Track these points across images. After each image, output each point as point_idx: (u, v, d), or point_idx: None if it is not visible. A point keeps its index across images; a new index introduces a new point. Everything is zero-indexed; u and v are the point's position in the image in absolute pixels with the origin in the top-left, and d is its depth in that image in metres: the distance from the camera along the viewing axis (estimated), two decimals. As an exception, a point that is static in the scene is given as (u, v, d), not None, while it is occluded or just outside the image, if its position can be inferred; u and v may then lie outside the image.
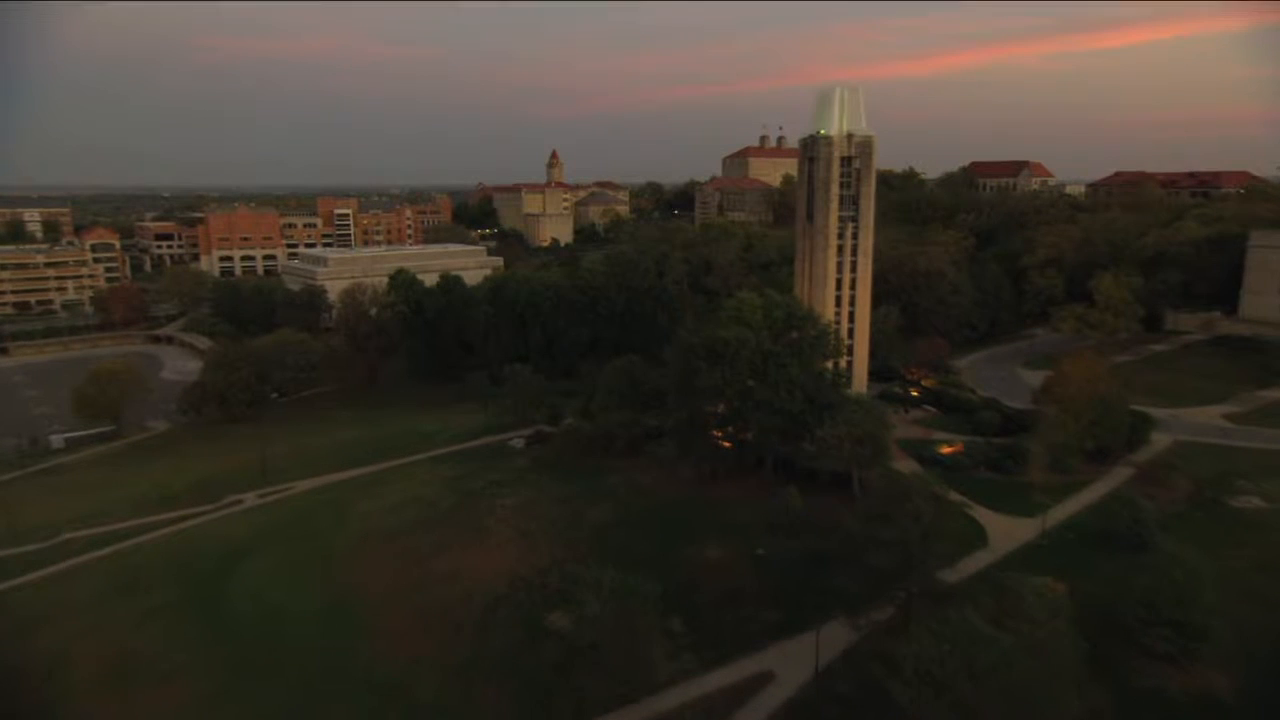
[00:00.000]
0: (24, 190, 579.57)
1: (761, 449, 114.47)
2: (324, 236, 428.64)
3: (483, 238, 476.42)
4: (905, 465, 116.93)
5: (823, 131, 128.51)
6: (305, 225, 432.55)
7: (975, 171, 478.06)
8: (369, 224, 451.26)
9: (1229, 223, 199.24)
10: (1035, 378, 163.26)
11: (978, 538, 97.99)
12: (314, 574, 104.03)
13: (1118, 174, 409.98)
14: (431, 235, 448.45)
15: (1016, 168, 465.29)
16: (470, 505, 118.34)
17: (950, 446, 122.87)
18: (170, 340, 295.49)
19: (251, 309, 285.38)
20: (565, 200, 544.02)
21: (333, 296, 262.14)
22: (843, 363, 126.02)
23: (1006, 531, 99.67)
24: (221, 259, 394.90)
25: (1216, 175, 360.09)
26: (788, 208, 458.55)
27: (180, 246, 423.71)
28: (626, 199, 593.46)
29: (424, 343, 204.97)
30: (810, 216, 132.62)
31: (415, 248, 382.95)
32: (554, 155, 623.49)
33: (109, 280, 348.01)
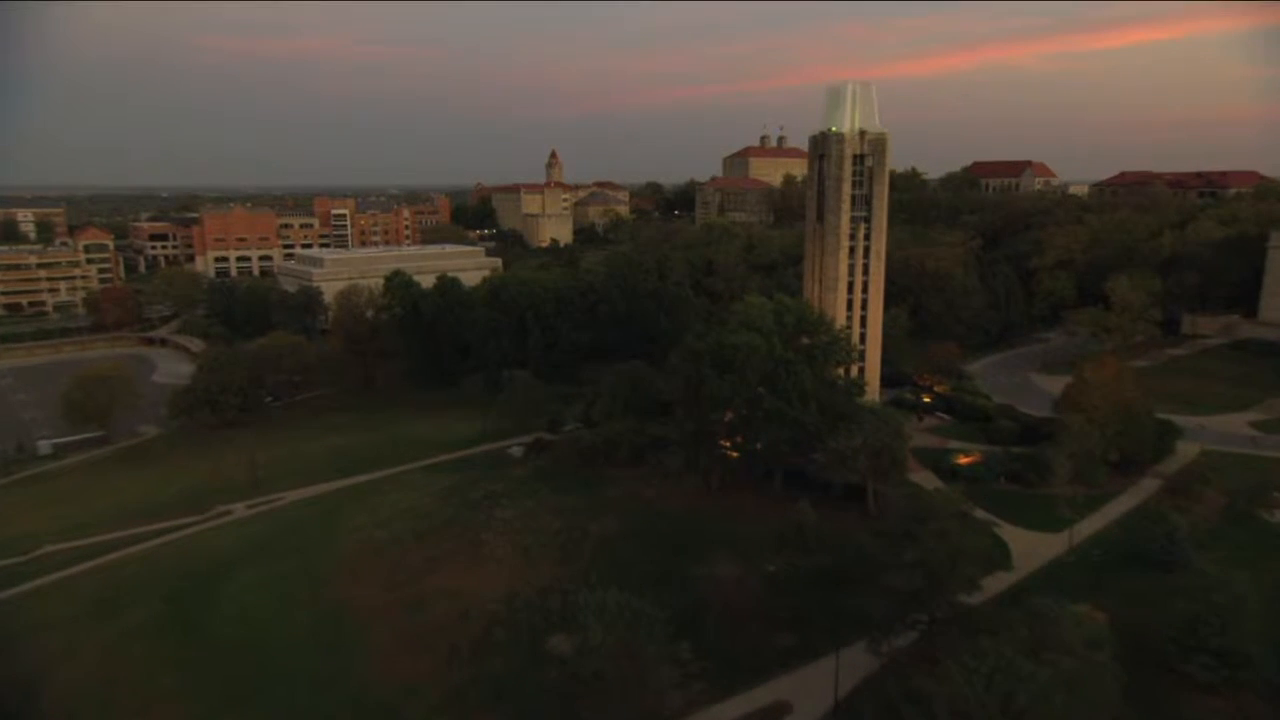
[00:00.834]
0: (22, 190, 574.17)
1: (771, 460, 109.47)
2: (321, 237, 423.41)
3: (481, 238, 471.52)
4: (921, 476, 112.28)
5: (834, 128, 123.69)
6: (302, 226, 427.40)
7: (977, 171, 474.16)
8: (366, 224, 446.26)
9: (1246, 223, 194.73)
10: (1051, 384, 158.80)
11: (1001, 555, 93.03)
12: (303, 591, 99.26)
13: (1123, 174, 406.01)
14: (430, 236, 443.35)
15: (1019, 168, 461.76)
16: (467, 517, 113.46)
17: (967, 456, 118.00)
18: (164, 343, 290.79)
19: (246, 311, 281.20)
20: (565, 200, 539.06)
21: (329, 298, 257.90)
22: (854, 370, 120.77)
23: (1031, 548, 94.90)
24: (217, 260, 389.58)
25: (1224, 175, 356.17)
26: (789, 208, 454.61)
27: (175, 247, 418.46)
28: (626, 199, 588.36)
29: (421, 346, 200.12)
30: (820, 217, 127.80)
31: (413, 248, 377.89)
32: (553, 155, 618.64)
33: (102, 281, 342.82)
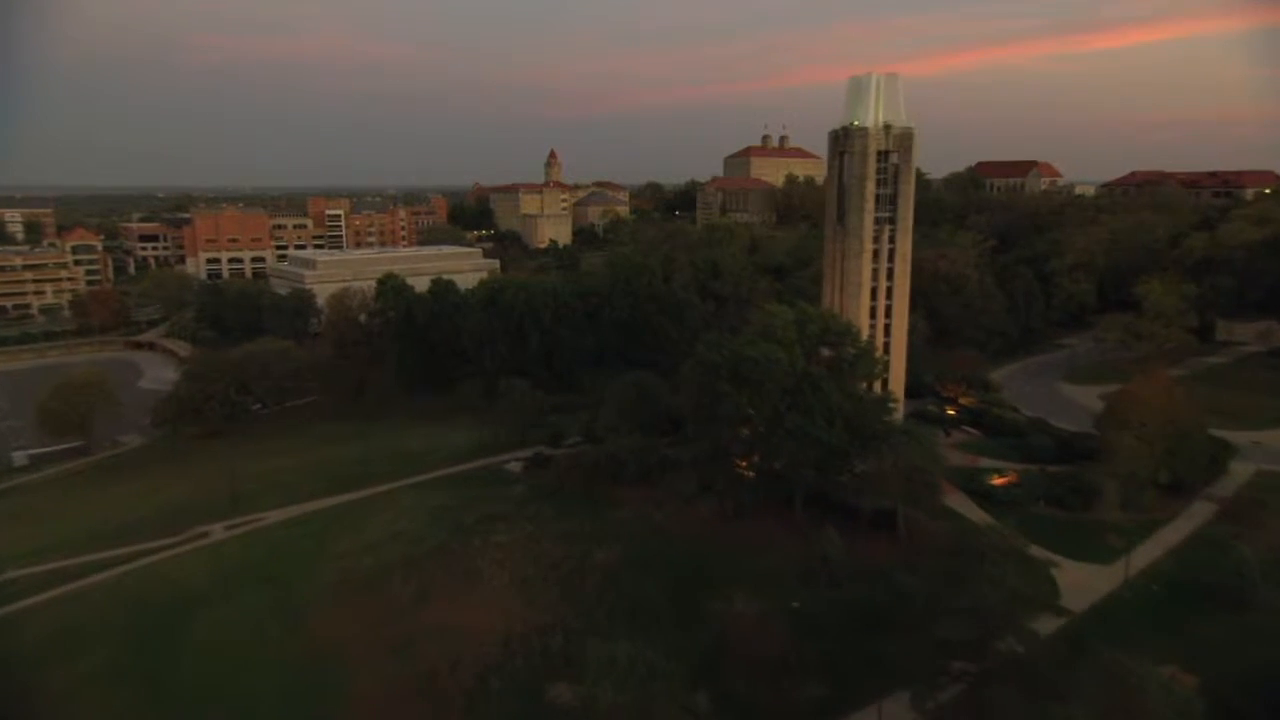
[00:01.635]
0: (15, 191, 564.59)
1: (792, 482, 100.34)
2: (315, 238, 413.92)
3: (479, 239, 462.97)
4: (954, 500, 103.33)
5: (856, 123, 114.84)
6: (295, 226, 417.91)
7: (982, 172, 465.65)
8: (362, 225, 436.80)
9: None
10: (1081, 394, 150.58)
11: (1048, 590, 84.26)
12: (279, 629, 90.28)
13: (1134, 173, 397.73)
14: (426, 237, 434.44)
15: (1025, 168, 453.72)
16: (461, 543, 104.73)
17: (1002, 477, 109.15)
18: (151, 347, 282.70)
19: (236, 314, 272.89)
20: (564, 200, 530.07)
21: (322, 301, 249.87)
22: (878, 383, 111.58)
23: (1080, 581, 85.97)
24: (208, 261, 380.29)
25: (1239, 175, 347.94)
26: (791, 208, 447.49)
27: (166, 248, 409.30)
28: (626, 199, 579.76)
29: (414, 351, 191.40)
30: (841, 218, 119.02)
31: (409, 250, 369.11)
32: (552, 154, 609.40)
33: (90, 283, 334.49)
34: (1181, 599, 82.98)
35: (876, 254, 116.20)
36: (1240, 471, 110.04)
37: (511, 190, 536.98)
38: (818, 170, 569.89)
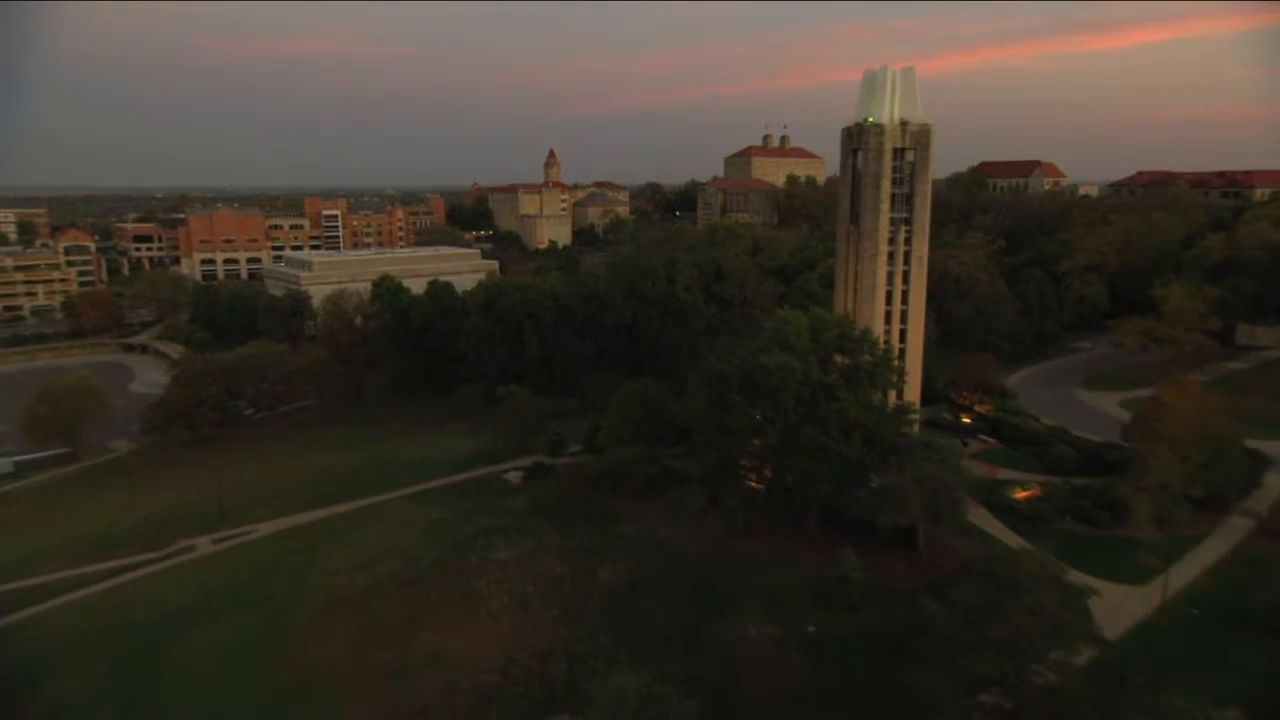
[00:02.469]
0: (9, 191, 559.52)
1: (805, 497, 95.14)
2: (311, 238, 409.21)
3: (477, 239, 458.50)
4: (975, 515, 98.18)
5: (870, 119, 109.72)
6: (292, 226, 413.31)
7: (985, 171, 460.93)
8: (358, 225, 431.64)
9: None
10: (1100, 401, 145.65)
11: (1084, 617, 79.09)
12: (266, 653, 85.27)
13: (1140, 173, 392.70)
14: (424, 237, 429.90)
15: (1028, 168, 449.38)
16: (457, 560, 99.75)
17: (1025, 490, 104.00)
18: (144, 349, 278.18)
19: (230, 316, 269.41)
20: (563, 201, 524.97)
21: (317, 302, 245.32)
22: (893, 393, 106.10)
23: (1114, 605, 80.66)
24: (203, 262, 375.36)
25: (1249, 174, 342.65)
26: (793, 208, 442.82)
27: (160, 249, 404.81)
28: (626, 199, 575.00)
29: (411, 356, 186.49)
30: (854, 218, 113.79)
31: (406, 250, 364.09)
32: (551, 154, 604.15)
33: (83, 284, 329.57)
34: (1223, 624, 77.89)
35: (892, 256, 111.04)
36: (1275, 484, 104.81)
37: (510, 190, 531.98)
38: (819, 170, 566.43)
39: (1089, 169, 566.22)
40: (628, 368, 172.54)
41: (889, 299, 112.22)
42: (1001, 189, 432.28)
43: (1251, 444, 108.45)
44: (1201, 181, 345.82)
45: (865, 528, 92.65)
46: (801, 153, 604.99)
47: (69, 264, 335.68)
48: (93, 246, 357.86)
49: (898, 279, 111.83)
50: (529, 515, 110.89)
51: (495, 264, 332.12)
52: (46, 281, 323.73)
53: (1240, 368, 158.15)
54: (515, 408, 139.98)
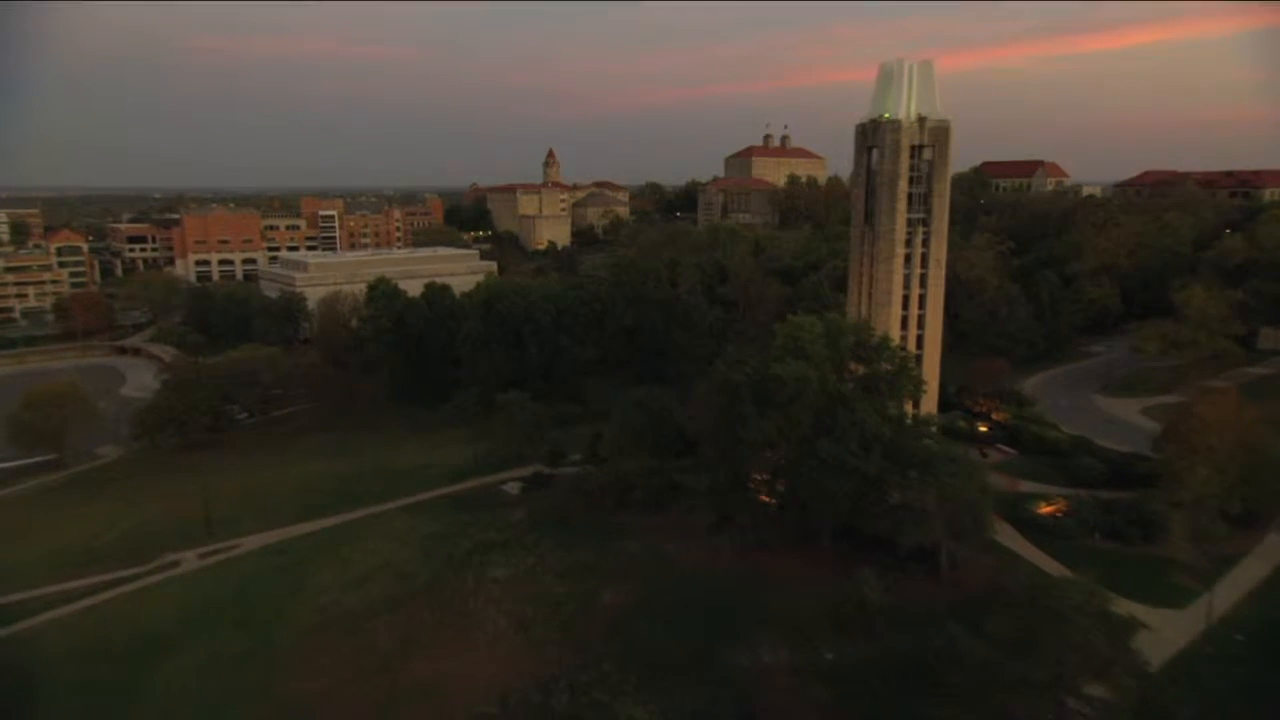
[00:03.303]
0: (19, 192, 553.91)
1: (821, 514, 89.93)
2: (308, 239, 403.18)
3: (476, 240, 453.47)
4: (998, 530, 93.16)
5: (887, 115, 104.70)
6: (288, 227, 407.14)
7: (988, 172, 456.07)
8: (355, 226, 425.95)
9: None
10: (1120, 408, 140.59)
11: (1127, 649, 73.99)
12: (251, 681, 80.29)
13: (1147, 173, 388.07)
14: (421, 238, 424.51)
15: (1031, 168, 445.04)
16: (453, 578, 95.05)
17: (1050, 504, 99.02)
18: (137, 352, 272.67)
19: (225, 318, 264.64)
20: (562, 201, 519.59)
21: (313, 304, 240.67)
22: (911, 403, 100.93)
23: (1153, 630, 75.84)
24: (198, 263, 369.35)
25: (1258, 174, 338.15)
26: (794, 209, 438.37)
27: (155, 250, 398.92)
28: (626, 200, 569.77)
29: (407, 360, 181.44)
30: (869, 219, 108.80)
31: (403, 251, 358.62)
32: (550, 154, 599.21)
33: (75, 286, 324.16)
34: (1270, 651, 73.03)
35: (908, 259, 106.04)
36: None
37: (509, 191, 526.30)
38: (820, 170, 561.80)
39: (1091, 169, 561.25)
40: (630, 373, 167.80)
41: (905, 303, 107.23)
42: (1004, 189, 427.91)
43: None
44: (1210, 181, 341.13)
45: (883, 545, 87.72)
46: (802, 153, 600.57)
47: (61, 265, 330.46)
48: (85, 247, 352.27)
49: (914, 283, 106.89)
50: (528, 529, 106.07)
51: (494, 265, 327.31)
52: (38, 283, 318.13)
53: (1264, 373, 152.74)
54: (514, 415, 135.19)
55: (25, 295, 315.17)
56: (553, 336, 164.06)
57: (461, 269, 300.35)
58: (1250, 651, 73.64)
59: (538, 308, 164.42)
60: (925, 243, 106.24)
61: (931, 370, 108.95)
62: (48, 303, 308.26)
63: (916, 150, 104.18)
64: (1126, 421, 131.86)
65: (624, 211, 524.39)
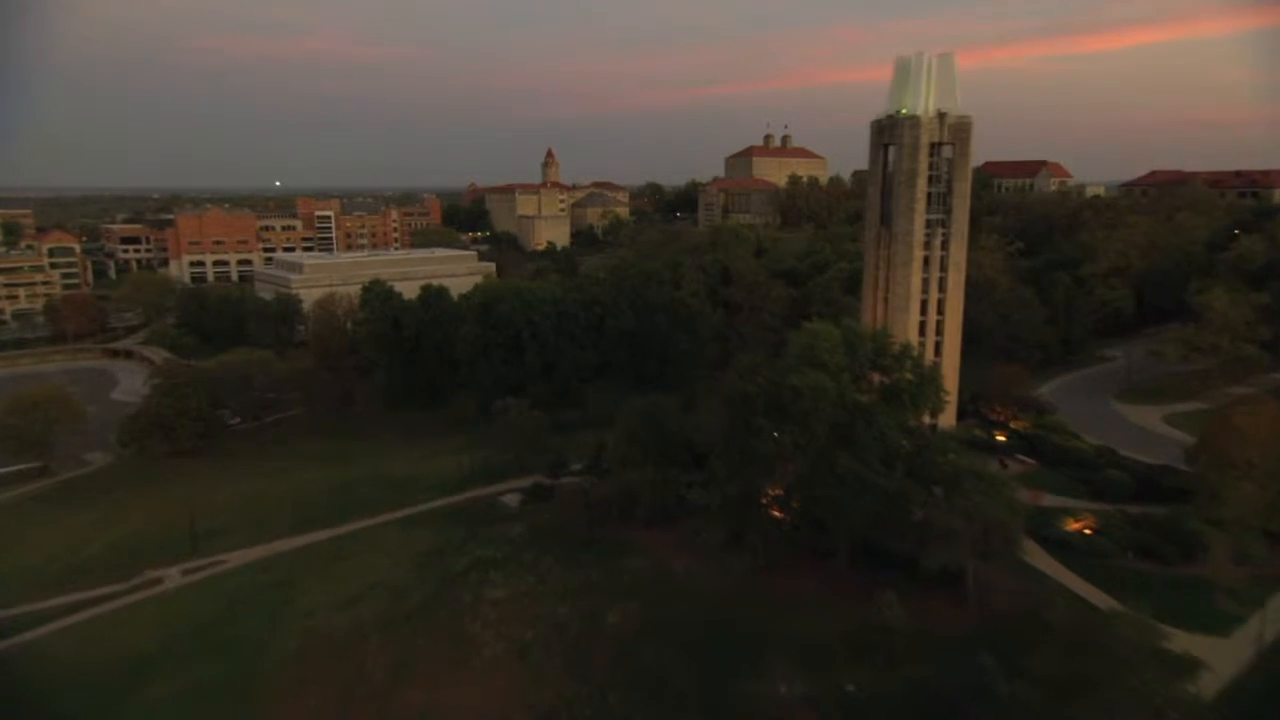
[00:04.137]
0: (16, 191, 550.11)
1: (838, 533, 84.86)
2: (304, 240, 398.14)
3: (474, 241, 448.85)
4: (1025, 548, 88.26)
5: (904, 111, 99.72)
6: (284, 228, 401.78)
7: (990, 171, 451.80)
8: (352, 227, 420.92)
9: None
10: (1143, 415, 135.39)
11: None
12: (231, 712, 75.49)
13: (1153, 173, 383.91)
14: (419, 239, 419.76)
15: (1034, 168, 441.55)
16: (449, 598, 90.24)
17: (1077, 521, 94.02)
18: (129, 354, 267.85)
19: (219, 320, 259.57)
20: (562, 201, 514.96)
21: (308, 306, 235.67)
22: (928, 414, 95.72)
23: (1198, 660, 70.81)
24: (192, 264, 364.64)
25: (1266, 174, 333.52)
26: (795, 209, 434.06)
27: (149, 250, 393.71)
28: (626, 200, 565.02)
29: (403, 364, 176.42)
30: (885, 220, 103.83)
31: (400, 253, 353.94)
32: (550, 154, 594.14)
33: (67, 287, 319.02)
34: (1324, 685, 68.20)
35: (927, 262, 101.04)
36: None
37: (508, 191, 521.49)
38: (821, 170, 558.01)
39: (1092, 170, 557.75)
40: (631, 378, 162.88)
41: (923, 308, 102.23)
42: (1007, 189, 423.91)
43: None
44: (1218, 181, 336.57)
45: (903, 564, 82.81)
46: (803, 153, 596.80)
47: (53, 266, 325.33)
48: (78, 248, 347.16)
49: (933, 287, 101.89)
50: (528, 545, 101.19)
51: (492, 266, 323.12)
52: (29, 284, 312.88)
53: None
54: (513, 422, 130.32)
55: (16, 297, 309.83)
56: (552, 341, 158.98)
57: (460, 270, 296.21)
58: (1303, 684, 68.80)
59: (537, 311, 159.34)
60: (944, 245, 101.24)
61: (951, 379, 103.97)
62: (39, 304, 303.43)
63: (936, 148, 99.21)
64: (1150, 430, 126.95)
65: (624, 212, 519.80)
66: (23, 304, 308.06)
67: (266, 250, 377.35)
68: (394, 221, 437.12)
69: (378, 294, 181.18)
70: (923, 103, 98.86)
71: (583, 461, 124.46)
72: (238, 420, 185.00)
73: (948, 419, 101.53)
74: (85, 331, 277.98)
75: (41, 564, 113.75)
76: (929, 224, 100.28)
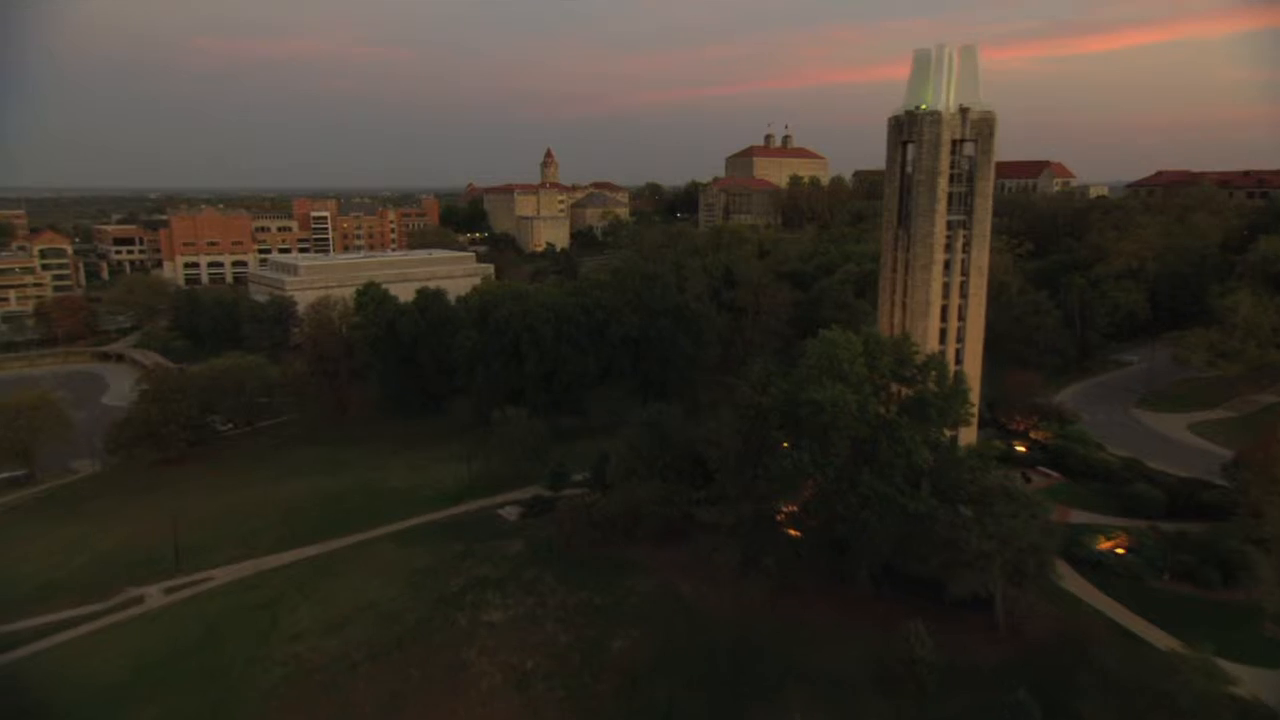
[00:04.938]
0: (12, 192, 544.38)
1: (859, 554, 79.63)
2: (300, 241, 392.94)
3: (473, 242, 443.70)
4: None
5: (924, 105, 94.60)
6: (280, 229, 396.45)
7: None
8: (349, 228, 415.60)
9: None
10: (1166, 424, 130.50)
11: None
12: (210, 748, 70.45)
13: (1160, 173, 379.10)
14: (417, 240, 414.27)
15: (1037, 168, 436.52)
16: (444, 622, 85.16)
17: (1109, 539, 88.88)
18: (120, 358, 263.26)
19: (212, 323, 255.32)
20: (561, 202, 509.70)
21: (304, 309, 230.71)
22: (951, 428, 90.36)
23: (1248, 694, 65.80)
24: (186, 265, 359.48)
25: (1276, 174, 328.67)
26: (796, 209, 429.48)
27: (142, 252, 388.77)
28: (626, 200, 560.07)
29: (398, 370, 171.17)
30: (903, 221, 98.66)
31: (397, 254, 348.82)
32: (549, 154, 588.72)
33: (58, 289, 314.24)
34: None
35: (948, 265, 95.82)
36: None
37: (507, 191, 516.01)
38: (822, 171, 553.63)
39: (1094, 170, 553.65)
40: (634, 384, 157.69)
41: (944, 315, 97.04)
42: (1010, 189, 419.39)
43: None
44: (1226, 181, 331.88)
45: (928, 587, 77.79)
46: (804, 153, 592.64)
47: (44, 268, 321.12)
48: (70, 249, 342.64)
49: (954, 292, 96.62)
50: (527, 563, 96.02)
51: (490, 267, 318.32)
52: (19, 286, 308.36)
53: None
54: (512, 432, 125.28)
55: (6, 299, 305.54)
56: (552, 346, 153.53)
57: (458, 271, 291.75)
58: (1365, 724, 63.68)
59: (536, 316, 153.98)
60: (966, 248, 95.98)
61: (973, 389, 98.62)
62: (29, 307, 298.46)
63: (957, 145, 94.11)
64: (1175, 440, 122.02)
65: (624, 212, 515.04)
66: (13, 306, 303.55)
67: (262, 251, 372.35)
68: (391, 222, 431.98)
69: (373, 297, 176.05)
70: (944, 97, 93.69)
71: (584, 472, 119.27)
72: (229, 426, 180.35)
73: (969, 431, 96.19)
74: (76, 334, 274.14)
75: (17, 580, 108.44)
76: (950, 225, 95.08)
